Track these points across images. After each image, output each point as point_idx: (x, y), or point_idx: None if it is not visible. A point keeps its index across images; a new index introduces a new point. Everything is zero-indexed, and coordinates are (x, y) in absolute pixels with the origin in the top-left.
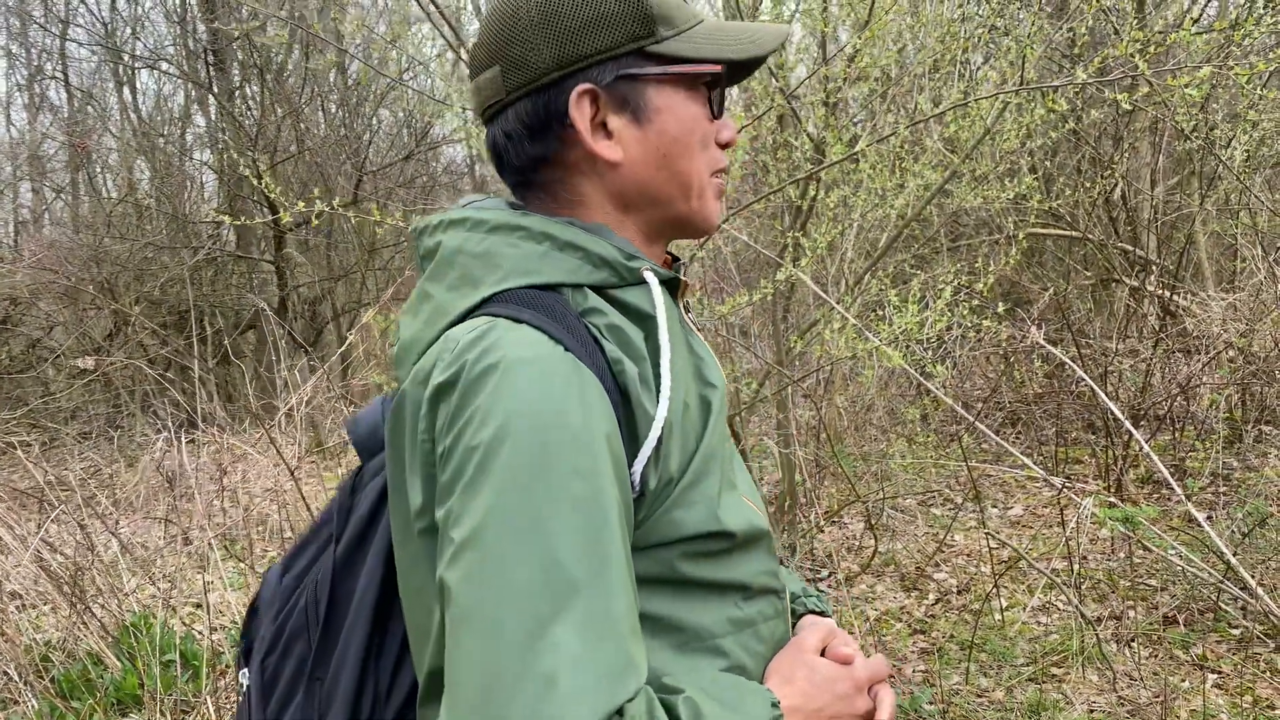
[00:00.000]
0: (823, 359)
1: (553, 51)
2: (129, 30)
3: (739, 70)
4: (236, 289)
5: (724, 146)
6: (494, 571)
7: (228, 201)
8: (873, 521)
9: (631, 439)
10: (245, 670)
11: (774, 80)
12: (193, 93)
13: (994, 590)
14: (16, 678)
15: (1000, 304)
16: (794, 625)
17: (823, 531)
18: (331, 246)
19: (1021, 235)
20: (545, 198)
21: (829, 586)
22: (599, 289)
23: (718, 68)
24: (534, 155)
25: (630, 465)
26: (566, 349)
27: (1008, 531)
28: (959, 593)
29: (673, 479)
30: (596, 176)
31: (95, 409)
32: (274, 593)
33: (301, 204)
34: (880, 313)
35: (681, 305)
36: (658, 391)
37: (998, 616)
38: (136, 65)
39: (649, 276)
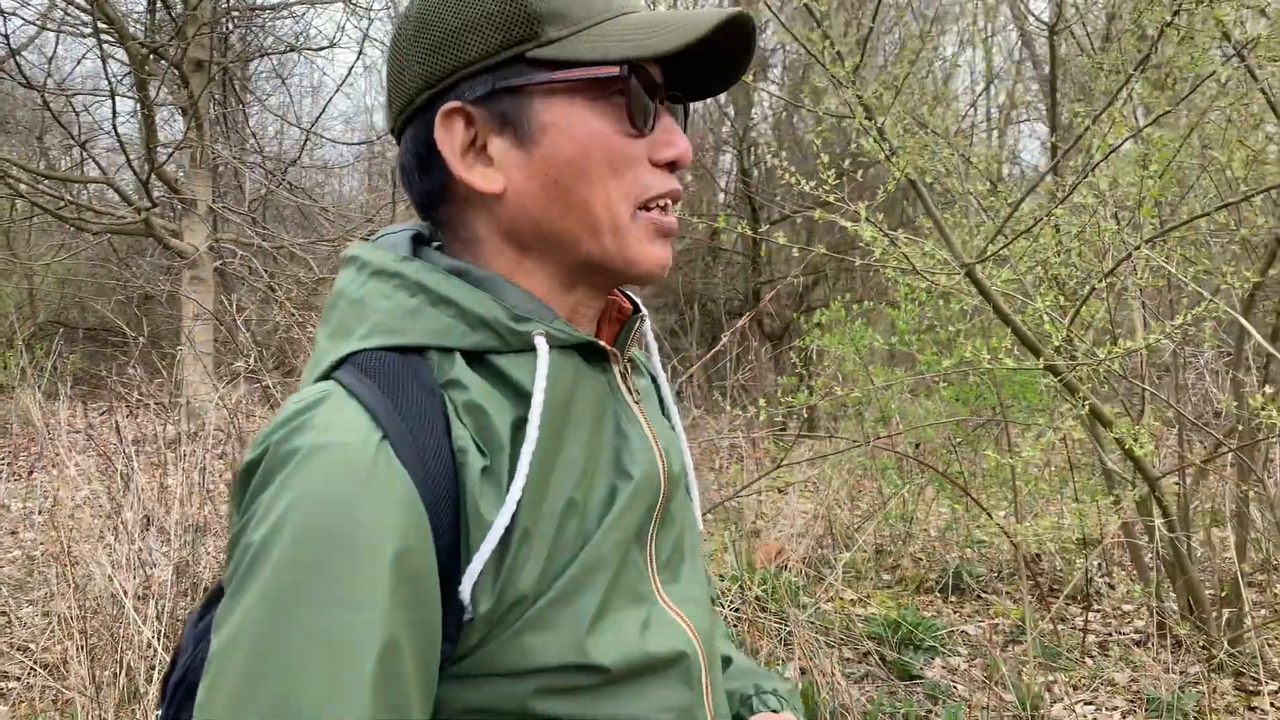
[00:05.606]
0: None
1: (422, 68)
2: None
3: (686, 68)
4: (723, 277)
5: (669, 167)
6: (221, 702)
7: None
8: None
9: (466, 549)
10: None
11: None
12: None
13: None
14: None
15: None
16: None
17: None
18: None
19: None
20: (448, 237)
21: (1272, 705)
22: (476, 354)
23: (614, 69)
24: (425, 189)
25: (459, 581)
26: (385, 438)
27: None
28: None
29: (525, 597)
30: (486, 211)
31: None
32: (188, 638)
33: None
34: None
35: (619, 370)
36: (508, 491)
37: None
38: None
39: (539, 343)
